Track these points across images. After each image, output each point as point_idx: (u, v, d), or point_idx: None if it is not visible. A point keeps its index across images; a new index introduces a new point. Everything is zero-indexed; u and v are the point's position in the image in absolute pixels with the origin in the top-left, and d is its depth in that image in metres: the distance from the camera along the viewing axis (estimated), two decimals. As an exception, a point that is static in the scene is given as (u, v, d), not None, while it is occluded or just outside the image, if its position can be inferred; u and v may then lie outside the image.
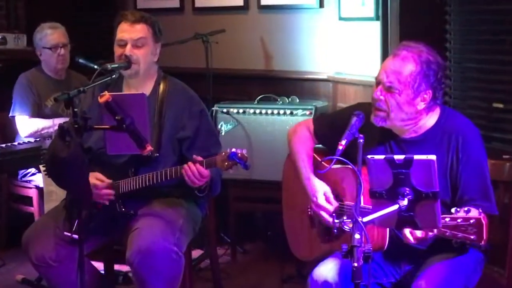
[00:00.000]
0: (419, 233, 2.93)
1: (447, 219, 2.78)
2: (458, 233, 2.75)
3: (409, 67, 3.08)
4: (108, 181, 3.74)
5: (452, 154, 3.14)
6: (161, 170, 3.63)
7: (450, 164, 3.14)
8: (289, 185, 3.71)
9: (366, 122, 3.18)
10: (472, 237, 2.73)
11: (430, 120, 3.21)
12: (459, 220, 2.75)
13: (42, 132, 5.05)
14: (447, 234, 2.78)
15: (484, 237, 2.71)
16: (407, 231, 2.94)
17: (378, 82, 3.17)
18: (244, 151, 3.48)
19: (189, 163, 3.55)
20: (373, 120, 3.19)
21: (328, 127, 3.50)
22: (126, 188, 3.72)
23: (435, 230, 2.81)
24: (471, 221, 2.73)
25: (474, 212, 2.76)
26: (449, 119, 3.22)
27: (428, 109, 3.16)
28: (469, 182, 3.11)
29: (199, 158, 3.54)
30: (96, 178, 3.71)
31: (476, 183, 3.11)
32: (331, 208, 3.34)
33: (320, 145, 3.62)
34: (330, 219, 3.30)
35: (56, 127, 4.81)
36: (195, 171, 3.53)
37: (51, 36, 5.21)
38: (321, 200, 3.36)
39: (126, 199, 3.75)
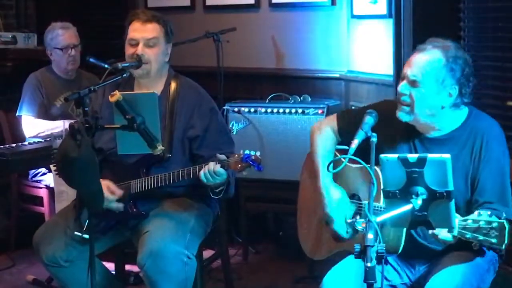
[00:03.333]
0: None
1: (469, 221, 2.75)
2: (478, 236, 2.72)
3: (434, 61, 3.05)
4: (119, 193, 3.72)
5: (475, 154, 3.11)
6: (173, 171, 3.61)
7: (472, 164, 3.11)
8: (307, 182, 3.66)
9: (392, 119, 3.18)
10: (493, 240, 2.69)
11: (456, 119, 3.17)
12: (481, 223, 2.72)
13: (47, 133, 5.02)
14: (468, 236, 2.75)
15: (506, 241, 2.68)
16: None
17: (403, 77, 3.14)
18: (258, 153, 3.45)
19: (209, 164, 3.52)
20: (398, 115, 3.16)
21: (352, 124, 3.41)
22: (137, 188, 3.70)
23: (456, 232, 2.77)
24: (494, 224, 2.70)
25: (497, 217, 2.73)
26: (476, 119, 3.18)
27: (455, 106, 3.12)
28: (486, 184, 3.07)
29: (222, 157, 3.51)
30: (107, 188, 3.68)
31: (494, 185, 3.07)
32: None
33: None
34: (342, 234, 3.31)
35: (60, 129, 4.83)
36: (211, 169, 3.49)
37: (62, 36, 5.20)
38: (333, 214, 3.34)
39: (137, 199, 3.74)
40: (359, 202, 3.34)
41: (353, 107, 5.25)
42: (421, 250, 3.17)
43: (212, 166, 3.47)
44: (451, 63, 3.04)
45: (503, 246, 2.69)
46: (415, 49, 3.15)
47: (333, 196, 3.36)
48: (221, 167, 3.47)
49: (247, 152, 3.44)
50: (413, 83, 3.09)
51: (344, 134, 3.49)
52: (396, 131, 3.22)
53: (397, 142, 3.23)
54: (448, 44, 3.10)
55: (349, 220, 3.20)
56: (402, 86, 3.12)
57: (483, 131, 3.12)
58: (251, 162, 3.42)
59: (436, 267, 3.15)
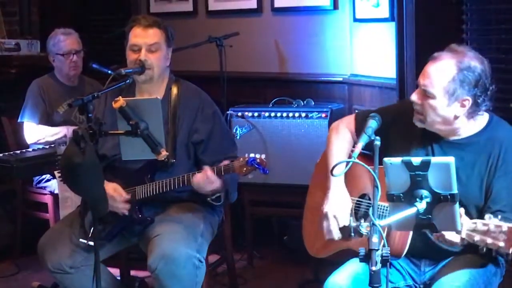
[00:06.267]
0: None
1: (478, 224, 2.75)
2: (487, 238, 2.72)
3: (445, 73, 3.01)
4: (126, 196, 3.73)
5: (491, 162, 3.08)
6: (177, 176, 3.61)
7: (488, 171, 3.08)
8: (318, 180, 3.65)
9: (409, 120, 3.17)
10: (501, 244, 2.69)
11: (476, 125, 3.13)
12: (490, 226, 2.72)
13: (49, 139, 5.03)
14: (476, 238, 2.75)
15: None
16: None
17: (417, 85, 3.12)
18: (263, 156, 3.45)
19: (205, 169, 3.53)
20: (414, 121, 3.16)
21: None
22: (142, 194, 3.71)
23: (464, 234, 2.77)
24: (503, 228, 2.70)
25: (508, 223, 2.73)
26: (496, 127, 3.15)
27: (471, 115, 3.08)
28: (501, 193, 3.04)
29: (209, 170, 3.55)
30: (114, 190, 3.69)
31: (509, 195, 3.04)
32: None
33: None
34: (334, 235, 3.30)
35: (61, 135, 4.84)
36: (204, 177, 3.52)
37: (64, 42, 5.21)
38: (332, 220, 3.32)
39: (142, 205, 3.74)
40: (368, 202, 3.33)
41: (356, 111, 5.24)
42: (431, 248, 3.17)
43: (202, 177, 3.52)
44: (463, 74, 2.99)
45: (511, 251, 2.69)
46: (431, 57, 3.10)
47: (338, 197, 3.34)
48: (226, 171, 3.47)
49: (252, 155, 3.44)
50: (424, 93, 3.06)
51: (359, 135, 3.48)
52: (413, 133, 3.20)
53: (412, 145, 3.22)
54: (465, 52, 3.04)
55: (353, 224, 3.19)
56: (414, 95, 3.11)
57: (502, 140, 3.10)
58: (256, 165, 3.43)
59: (443, 268, 3.15)
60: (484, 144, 3.11)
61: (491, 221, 2.73)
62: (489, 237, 2.72)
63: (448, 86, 3.00)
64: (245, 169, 3.45)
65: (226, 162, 3.51)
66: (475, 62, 3.02)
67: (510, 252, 2.70)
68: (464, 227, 2.78)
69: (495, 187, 3.05)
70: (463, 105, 3.04)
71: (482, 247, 2.76)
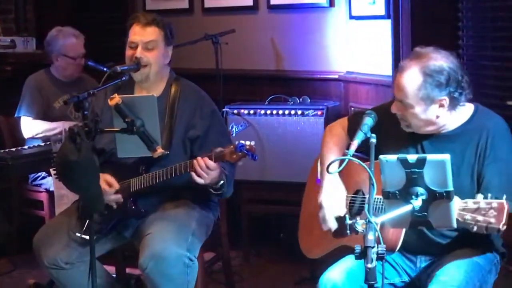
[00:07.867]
0: None
1: (469, 203, 2.76)
2: (477, 216, 2.72)
3: (414, 82, 3.03)
4: (117, 186, 3.72)
5: (480, 151, 3.10)
6: (170, 166, 3.60)
7: (477, 161, 3.10)
8: (314, 184, 3.65)
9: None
10: (491, 220, 2.69)
11: (461, 115, 3.15)
12: (481, 204, 2.73)
13: (47, 134, 5.03)
14: (467, 217, 2.74)
15: (503, 221, 2.67)
16: None
17: (394, 96, 3.16)
18: (252, 143, 3.45)
19: (198, 157, 3.52)
20: (402, 126, 3.19)
21: (359, 124, 3.43)
22: (137, 186, 3.71)
23: (456, 214, 2.77)
24: (493, 204, 2.70)
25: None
26: (482, 116, 3.17)
27: (452, 108, 3.09)
28: (493, 180, 3.05)
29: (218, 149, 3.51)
30: (105, 181, 3.68)
31: (500, 182, 3.04)
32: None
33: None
34: (330, 224, 3.32)
35: (58, 130, 4.84)
36: (202, 163, 3.48)
37: (76, 46, 5.20)
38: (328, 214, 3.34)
39: (137, 197, 3.74)
40: (362, 197, 3.33)
41: (352, 108, 5.25)
42: (427, 243, 3.18)
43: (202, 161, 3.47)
44: (431, 78, 3.01)
45: (501, 226, 2.68)
46: (397, 68, 3.14)
47: (332, 188, 3.35)
48: (217, 157, 3.47)
49: (242, 142, 3.44)
50: (401, 104, 3.10)
51: (352, 135, 3.49)
52: (402, 130, 3.21)
53: (402, 142, 3.23)
54: (429, 55, 3.06)
55: (349, 222, 3.19)
56: (394, 107, 3.15)
57: (488, 128, 3.11)
58: (245, 151, 3.43)
59: (439, 265, 3.15)
60: (471, 133, 3.13)
61: (481, 199, 2.74)
62: (480, 214, 2.72)
63: (420, 93, 3.03)
64: (234, 155, 3.44)
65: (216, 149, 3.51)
66: (440, 62, 3.03)
67: (501, 227, 2.69)
68: (455, 206, 2.77)
69: (486, 176, 3.07)
70: (441, 105, 3.06)
71: (472, 226, 2.75)
